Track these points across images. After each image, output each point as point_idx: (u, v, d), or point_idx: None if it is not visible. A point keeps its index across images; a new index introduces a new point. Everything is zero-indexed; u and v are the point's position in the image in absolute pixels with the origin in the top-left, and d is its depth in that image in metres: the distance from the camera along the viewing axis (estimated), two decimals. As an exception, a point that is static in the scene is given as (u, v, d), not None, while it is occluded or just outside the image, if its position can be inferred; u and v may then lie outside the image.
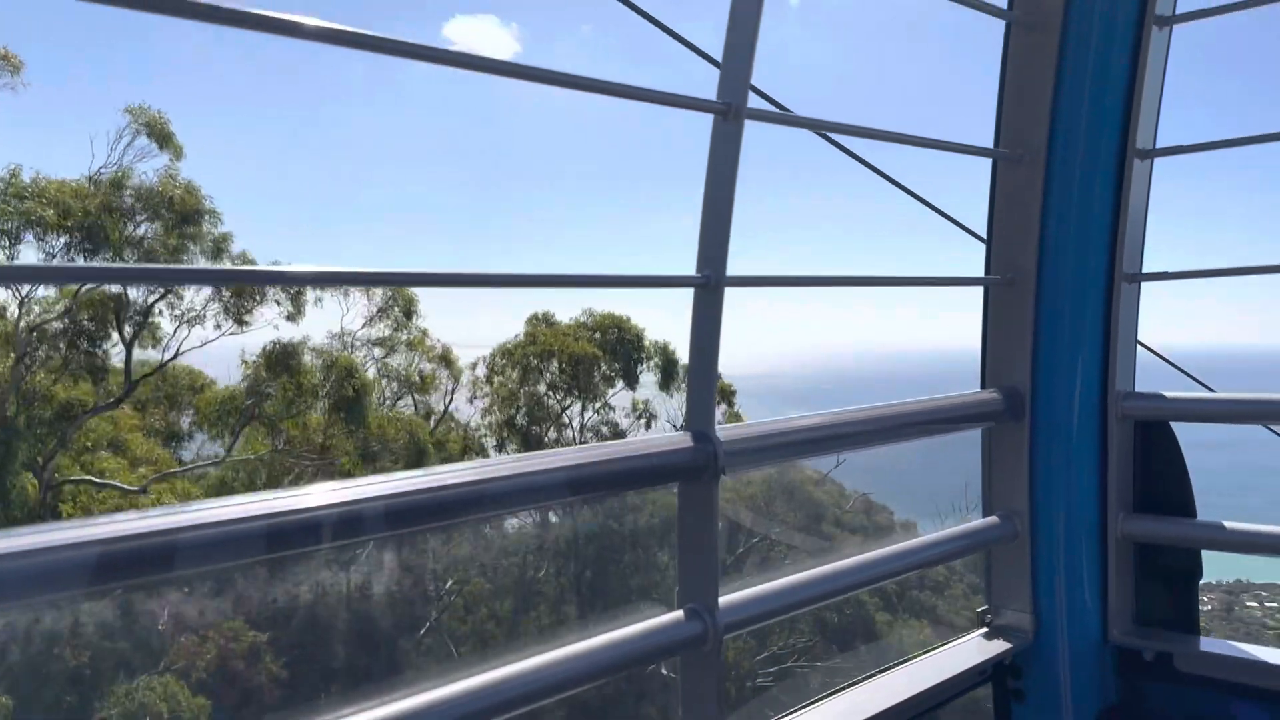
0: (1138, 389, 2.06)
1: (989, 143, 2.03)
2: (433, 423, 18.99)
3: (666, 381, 20.01)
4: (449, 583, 16.52)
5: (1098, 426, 2.01)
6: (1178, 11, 1.91)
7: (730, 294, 1.47)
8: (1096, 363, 2.00)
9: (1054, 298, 1.99)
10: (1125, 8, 1.87)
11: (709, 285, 1.46)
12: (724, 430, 1.49)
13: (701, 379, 1.50)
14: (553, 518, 17.64)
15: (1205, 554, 2.01)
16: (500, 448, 19.02)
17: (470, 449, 18.69)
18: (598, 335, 19.66)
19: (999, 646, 2.02)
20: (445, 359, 19.52)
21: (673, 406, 19.95)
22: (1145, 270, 2.01)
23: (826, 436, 1.68)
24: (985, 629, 2.09)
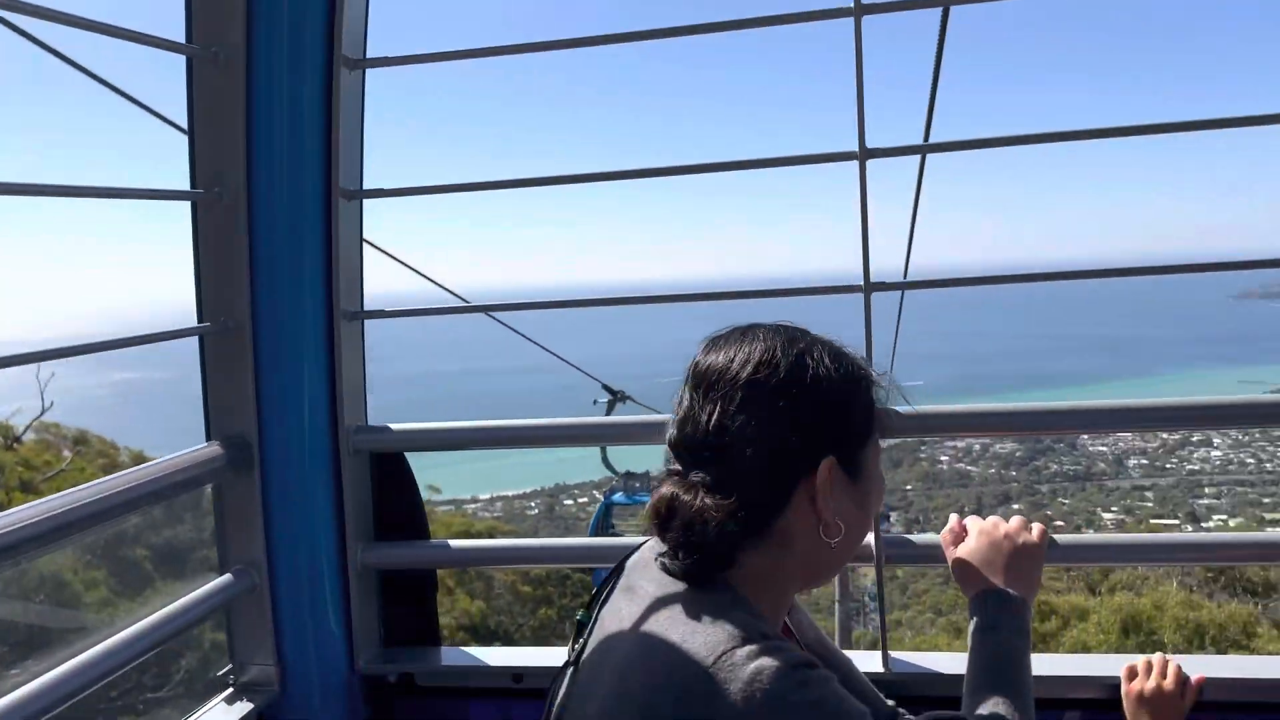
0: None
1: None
2: None
3: None
4: None
5: (330, 464, 2.10)
6: (368, 55, 2.02)
7: None
8: (324, 401, 2.08)
9: (273, 342, 2.01)
10: (313, 48, 1.91)
11: None
12: None
13: None
14: None
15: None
16: None
17: None
18: None
19: (243, 708, 2.03)
20: None
21: None
22: (366, 309, 2.13)
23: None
24: (230, 690, 2.08)
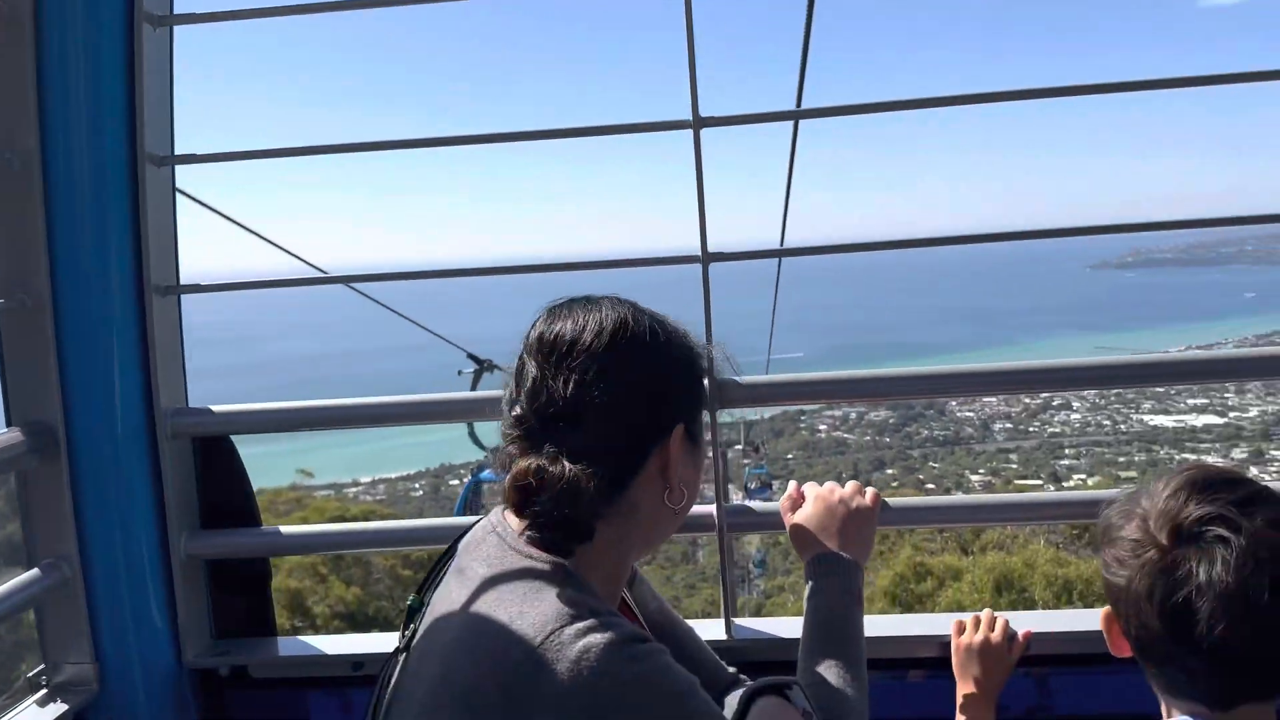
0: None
1: None
2: None
3: None
4: None
5: (147, 450, 1.98)
6: (175, 12, 1.89)
7: None
8: (136, 383, 1.96)
9: (77, 320, 1.88)
10: (111, 3, 1.78)
11: None
12: None
13: None
14: None
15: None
16: None
17: None
18: None
19: (57, 709, 1.91)
20: None
21: None
22: (182, 283, 2.01)
23: None
24: (43, 691, 1.95)
